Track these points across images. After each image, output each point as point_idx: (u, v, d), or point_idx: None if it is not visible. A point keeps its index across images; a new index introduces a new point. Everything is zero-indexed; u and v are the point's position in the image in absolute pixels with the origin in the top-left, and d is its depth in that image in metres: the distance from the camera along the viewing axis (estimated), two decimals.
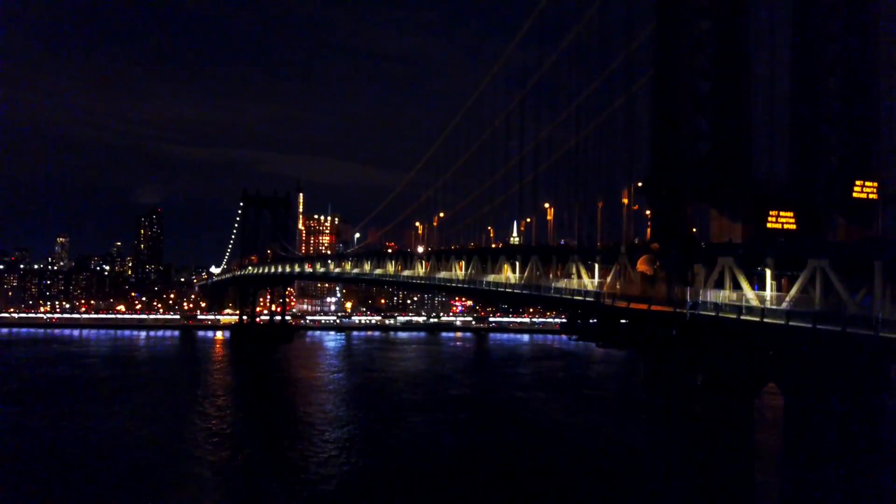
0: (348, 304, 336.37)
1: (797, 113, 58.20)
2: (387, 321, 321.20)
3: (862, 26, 58.93)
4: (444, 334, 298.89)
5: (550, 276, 69.88)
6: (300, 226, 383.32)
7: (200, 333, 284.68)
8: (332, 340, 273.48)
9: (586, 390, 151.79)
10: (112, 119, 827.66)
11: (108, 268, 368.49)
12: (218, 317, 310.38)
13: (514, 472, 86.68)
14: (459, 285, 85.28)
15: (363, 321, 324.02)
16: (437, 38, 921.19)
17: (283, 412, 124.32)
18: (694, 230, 56.55)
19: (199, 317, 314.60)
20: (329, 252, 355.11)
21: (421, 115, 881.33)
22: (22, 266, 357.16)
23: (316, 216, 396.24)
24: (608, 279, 58.72)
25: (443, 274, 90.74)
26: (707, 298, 47.30)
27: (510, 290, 71.92)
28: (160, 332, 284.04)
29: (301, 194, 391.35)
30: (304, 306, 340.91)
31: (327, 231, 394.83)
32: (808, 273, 41.47)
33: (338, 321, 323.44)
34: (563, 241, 72.70)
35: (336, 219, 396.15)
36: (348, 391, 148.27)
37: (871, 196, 57.15)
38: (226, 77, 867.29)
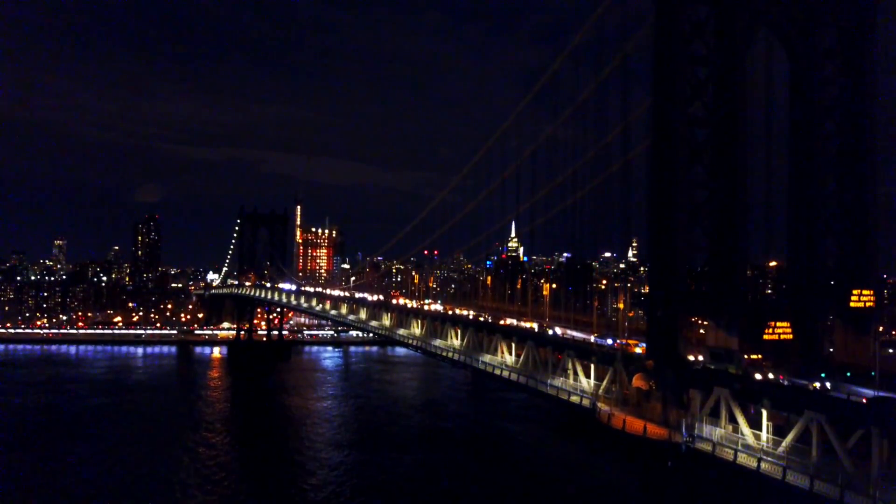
0: None
1: (794, 221, 57.88)
2: None
3: (857, 129, 58.63)
4: None
5: (546, 357, 69.63)
6: (297, 238, 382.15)
7: (198, 350, 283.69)
8: (329, 358, 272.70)
9: (582, 421, 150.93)
10: (115, 119, 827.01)
11: (105, 277, 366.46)
12: (215, 331, 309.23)
13: None
14: (454, 356, 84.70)
15: (361, 336, 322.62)
16: (441, 39, 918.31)
17: (279, 450, 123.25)
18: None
19: (197, 331, 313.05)
20: (326, 270, 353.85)
21: (423, 115, 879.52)
22: (19, 278, 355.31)
23: (314, 229, 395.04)
24: (603, 384, 58.51)
25: (438, 342, 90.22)
26: (703, 433, 47.09)
27: (505, 376, 71.51)
28: (157, 349, 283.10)
29: (298, 207, 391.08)
30: (302, 319, 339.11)
31: (325, 244, 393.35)
32: (804, 422, 41.30)
33: (335, 336, 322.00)
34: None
35: (334, 231, 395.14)
36: (346, 423, 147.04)
37: (868, 304, 57.00)
38: (230, 77, 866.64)
